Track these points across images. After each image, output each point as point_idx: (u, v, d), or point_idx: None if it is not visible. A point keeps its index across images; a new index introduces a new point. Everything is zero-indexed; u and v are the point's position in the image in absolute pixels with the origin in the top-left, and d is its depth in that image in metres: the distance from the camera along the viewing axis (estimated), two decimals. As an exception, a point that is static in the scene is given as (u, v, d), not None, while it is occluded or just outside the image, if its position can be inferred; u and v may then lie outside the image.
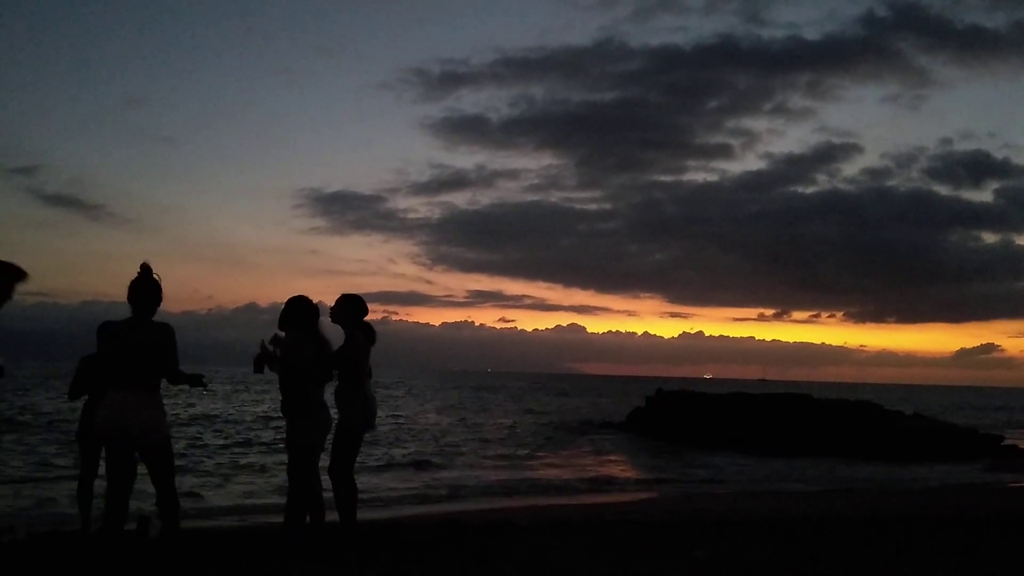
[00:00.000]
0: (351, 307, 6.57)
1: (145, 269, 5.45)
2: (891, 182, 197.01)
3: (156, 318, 5.42)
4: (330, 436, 6.35)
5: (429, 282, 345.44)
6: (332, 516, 6.34)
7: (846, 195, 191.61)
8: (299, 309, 6.24)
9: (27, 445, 20.51)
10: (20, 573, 5.47)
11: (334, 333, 6.51)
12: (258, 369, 6.10)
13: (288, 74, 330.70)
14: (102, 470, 7.07)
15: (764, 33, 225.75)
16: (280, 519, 6.47)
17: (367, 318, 6.69)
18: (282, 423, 6.36)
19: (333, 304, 6.57)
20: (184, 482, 13.17)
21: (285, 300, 6.28)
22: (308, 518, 6.15)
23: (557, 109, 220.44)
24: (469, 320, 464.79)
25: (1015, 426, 46.41)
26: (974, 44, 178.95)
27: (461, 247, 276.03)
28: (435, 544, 6.60)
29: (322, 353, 6.23)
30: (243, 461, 19.11)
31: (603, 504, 13.92)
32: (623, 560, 6.29)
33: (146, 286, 5.41)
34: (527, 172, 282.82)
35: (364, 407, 6.52)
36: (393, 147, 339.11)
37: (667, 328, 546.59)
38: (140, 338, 5.31)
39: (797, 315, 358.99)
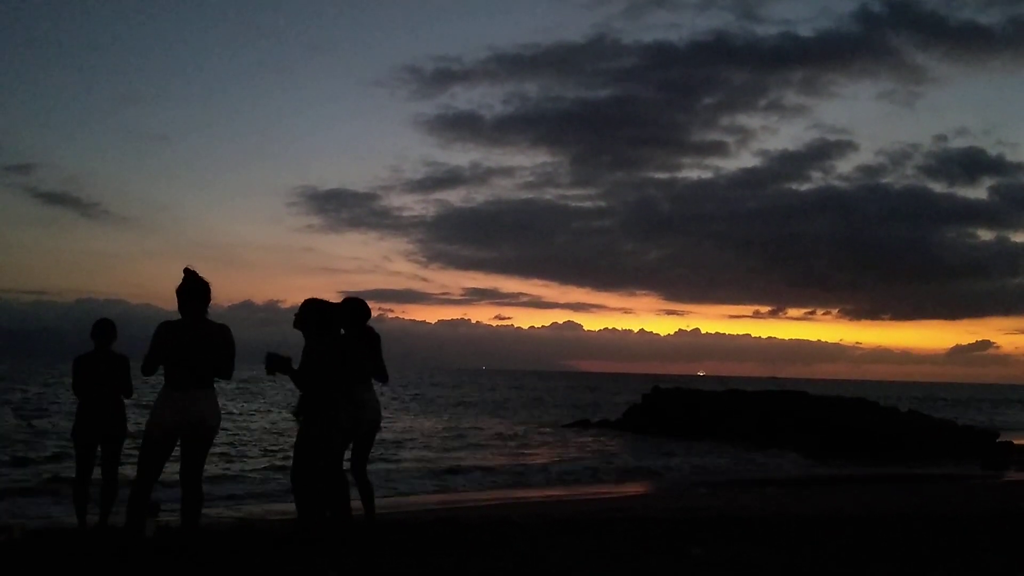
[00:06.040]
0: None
1: (189, 273, 5.53)
2: (886, 179, 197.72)
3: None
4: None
5: (425, 280, 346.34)
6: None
7: (841, 192, 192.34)
8: (322, 314, 6.03)
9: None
10: (18, 572, 5.46)
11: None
12: (271, 370, 5.98)
13: (282, 72, 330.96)
14: (98, 471, 7.16)
15: (758, 29, 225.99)
16: (278, 517, 6.45)
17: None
18: (284, 423, 6.27)
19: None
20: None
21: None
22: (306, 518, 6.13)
23: (551, 106, 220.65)
24: (465, 318, 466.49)
25: (1009, 423, 46.55)
26: (969, 41, 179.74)
27: (456, 245, 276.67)
28: (433, 541, 6.60)
29: (346, 357, 6.04)
30: (243, 462, 19.07)
31: (600, 501, 13.94)
32: (620, 557, 6.29)
33: (194, 288, 5.50)
34: (521, 169, 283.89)
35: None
36: (387, 145, 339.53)
37: (663, 325, 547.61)
38: (198, 339, 5.42)
39: (792, 312, 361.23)
